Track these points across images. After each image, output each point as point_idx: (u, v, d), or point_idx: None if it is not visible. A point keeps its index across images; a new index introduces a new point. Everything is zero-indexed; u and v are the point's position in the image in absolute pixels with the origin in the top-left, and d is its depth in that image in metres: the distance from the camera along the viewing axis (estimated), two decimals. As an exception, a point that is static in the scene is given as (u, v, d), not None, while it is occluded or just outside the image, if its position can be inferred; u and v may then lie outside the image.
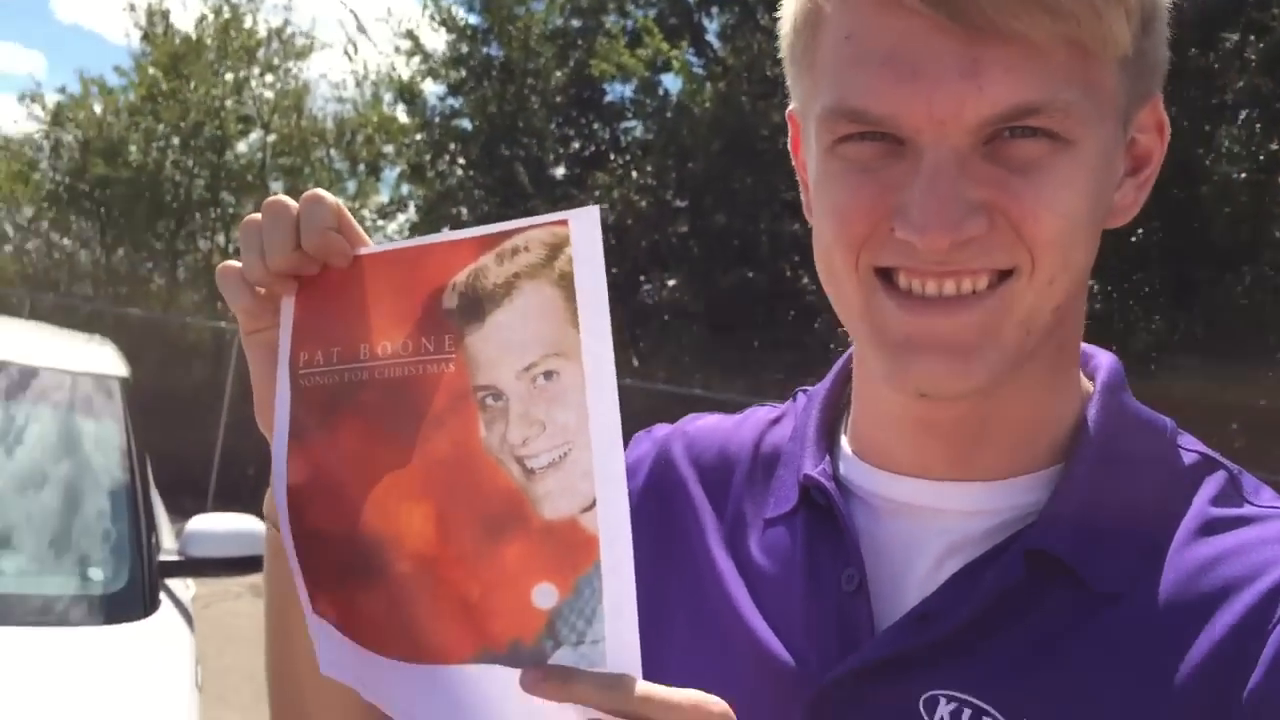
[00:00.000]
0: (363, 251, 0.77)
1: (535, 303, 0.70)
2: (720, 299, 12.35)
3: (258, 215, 0.77)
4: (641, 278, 13.45)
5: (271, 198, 0.77)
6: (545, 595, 0.68)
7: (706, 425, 0.96)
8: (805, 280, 12.56)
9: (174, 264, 17.14)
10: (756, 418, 0.95)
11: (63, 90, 17.67)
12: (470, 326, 0.72)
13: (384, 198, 16.70)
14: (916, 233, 0.70)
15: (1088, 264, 0.76)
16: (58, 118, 16.73)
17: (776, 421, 0.93)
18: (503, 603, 0.70)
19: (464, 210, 14.15)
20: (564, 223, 0.70)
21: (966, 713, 0.73)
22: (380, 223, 16.70)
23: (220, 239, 16.99)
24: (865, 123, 0.72)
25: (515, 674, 0.68)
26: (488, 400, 0.71)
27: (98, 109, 16.68)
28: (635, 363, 13.60)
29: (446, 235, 0.74)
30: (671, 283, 13.25)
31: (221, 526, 3.21)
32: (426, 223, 14.70)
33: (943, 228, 0.69)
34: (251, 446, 15.18)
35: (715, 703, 0.66)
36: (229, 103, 16.40)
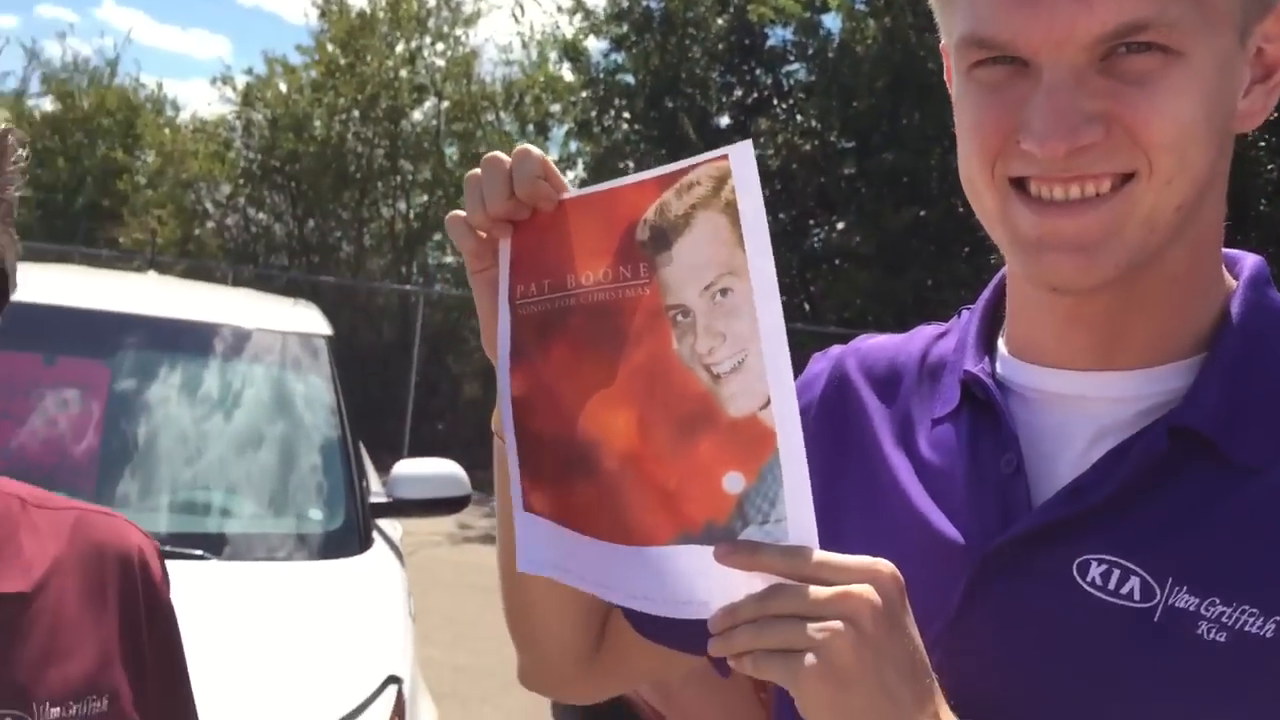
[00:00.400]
0: (566, 196, 0.89)
1: (709, 229, 0.81)
2: (891, 239, 12.17)
3: (478, 170, 0.90)
4: (810, 223, 13.37)
5: (489, 154, 0.90)
6: (734, 482, 0.80)
7: (877, 342, 1.06)
8: (979, 215, 12.25)
9: (360, 231, 17.93)
10: (923, 333, 1.04)
11: (249, 71, 18.60)
12: (660, 254, 0.84)
13: (553, 156, 17.02)
14: (1037, 143, 0.79)
15: (1213, 166, 0.82)
16: (247, 98, 17.65)
17: (942, 335, 1.02)
18: (697, 490, 0.81)
19: (630, 164, 14.31)
20: (724, 158, 0.81)
21: (1116, 573, 0.81)
22: (550, 181, 17.05)
23: (401, 205, 17.66)
24: (992, 48, 0.81)
25: (709, 550, 0.79)
26: (678, 317, 0.83)
27: (283, 87, 17.52)
28: (807, 308, 13.55)
29: (634, 177, 0.86)
30: (840, 226, 13.13)
31: (424, 470, 3.47)
32: (595, 178, 14.92)
33: (1059, 137, 0.78)
34: (440, 403, 15.86)
35: (884, 564, 0.77)
36: (403, 73, 16.98)
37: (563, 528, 0.89)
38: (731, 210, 0.80)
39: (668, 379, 0.83)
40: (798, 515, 0.78)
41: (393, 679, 2.50)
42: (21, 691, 0.90)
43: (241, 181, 17.89)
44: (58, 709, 0.91)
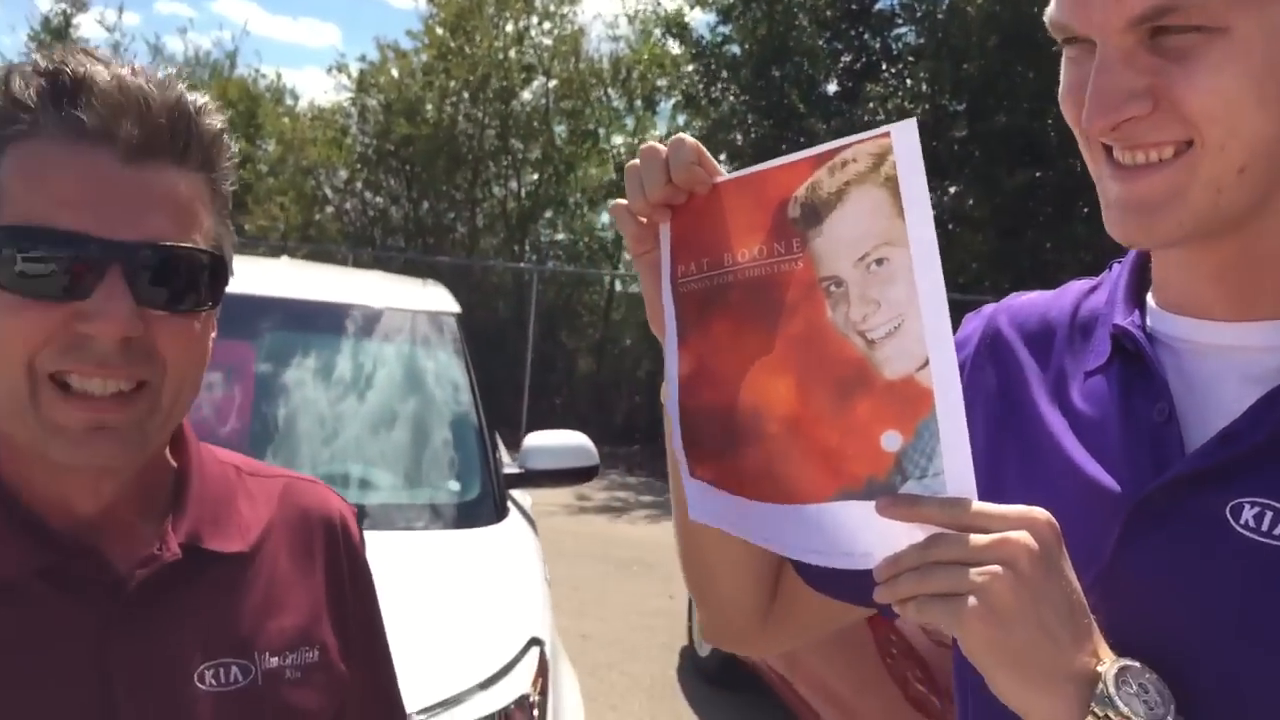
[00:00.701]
0: (719, 179, 0.95)
1: (865, 204, 0.85)
2: (1007, 202, 11.93)
3: (637, 161, 0.96)
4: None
5: (646, 145, 0.96)
6: (892, 440, 0.84)
7: (1029, 299, 1.10)
8: (1099, 175, 11.92)
9: (473, 211, 18.25)
10: (1074, 288, 1.08)
11: (363, 58, 19.03)
12: (811, 230, 0.88)
13: (660, 130, 17.07)
14: (1086, 118, 0.86)
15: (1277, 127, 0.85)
16: (362, 84, 18.07)
17: (1093, 290, 1.06)
18: (857, 449, 0.86)
19: (738, 136, 14.26)
20: (886, 135, 0.85)
21: (1269, 515, 0.84)
22: (659, 155, 17.08)
23: (513, 184, 17.91)
24: (1062, 32, 0.89)
25: (871, 505, 0.84)
26: (831, 288, 0.88)
27: (394, 73, 17.88)
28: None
29: (786, 158, 0.90)
30: (954, 190, 12.91)
31: (555, 442, 3.57)
32: (703, 151, 14.92)
33: (1100, 113, 0.85)
34: (555, 378, 16.10)
35: (1040, 512, 0.81)
36: (511, 53, 17.18)
37: (728, 494, 0.95)
38: (891, 184, 0.84)
39: (823, 347, 0.88)
40: (955, 468, 0.82)
41: (535, 641, 2.60)
42: (245, 643, 0.98)
43: (358, 166, 18.34)
44: (276, 659, 0.99)
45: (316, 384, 3.43)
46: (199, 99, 0.93)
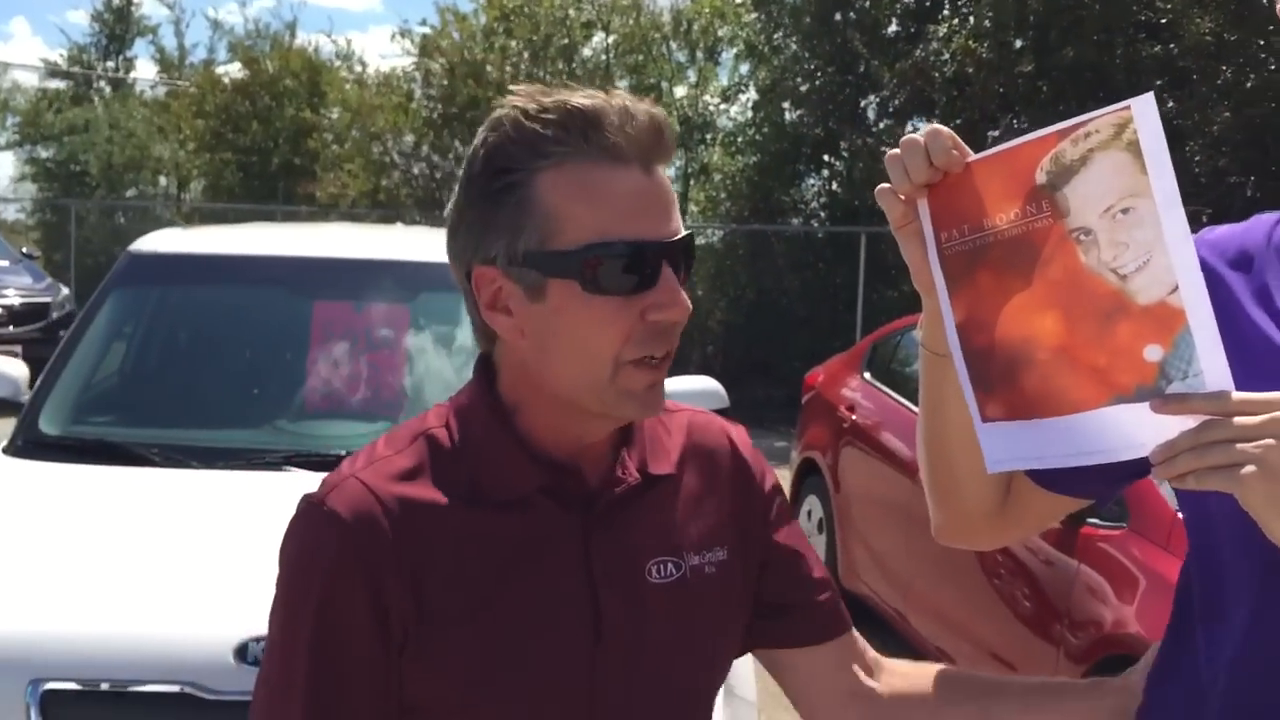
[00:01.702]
0: (971, 159, 1.16)
1: (1108, 165, 1.06)
2: (1076, 137, 11.92)
3: (898, 150, 1.17)
4: (989, 127, 13.19)
5: (906, 138, 1.16)
6: (1153, 352, 1.04)
7: (1222, 231, 1.29)
8: (1170, 104, 11.88)
9: (538, 172, 18.41)
10: (1261, 220, 1.26)
11: (424, 22, 19.21)
12: (1059, 192, 1.09)
13: (722, 81, 17.16)
14: None
15: None
16: (425, 49, 18.31)
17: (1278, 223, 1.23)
18: (1124, 364, 1.06)
19: (801, 84, 14.33)
20: (1127, 108, 1.05)
21: None
22: (723, 106, 17.18)
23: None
24: None
25: (1143, 406, 1.05)
26: (1080, 237, 1.08)
27: (456, 36, 18.08)
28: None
29: (1030, 135, 1.11)
30: (1022, 127, 12.91)
31: (686, 387, 3.87)
32: (767, 100, 15.02)
33: None
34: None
35: None
36: (571, 11, 17.29)
37: (1014, 422, 1.16)
38: (1133, 148, 1.04)
39: (1081, 286, 1.08)
40: (1213, 367, 1.02)
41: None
42: (676, 546, 1.22)
43: (424, 130, 18.62)
44: (697, 557, 1.23)
45: (465, 340, 3.74)
46: (656, 106, 1.17)
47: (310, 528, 1.15)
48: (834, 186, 15.05)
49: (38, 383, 3.40)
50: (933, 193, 1.17)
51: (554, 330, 1.12)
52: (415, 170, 19.56)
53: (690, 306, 1.13)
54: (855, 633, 1.38)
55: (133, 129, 25.71)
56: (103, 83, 29.51)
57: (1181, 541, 1.95)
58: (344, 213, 18.91)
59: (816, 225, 15.31)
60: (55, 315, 11.29)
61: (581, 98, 1.11)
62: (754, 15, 14.63)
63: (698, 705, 1.29)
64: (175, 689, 2.19)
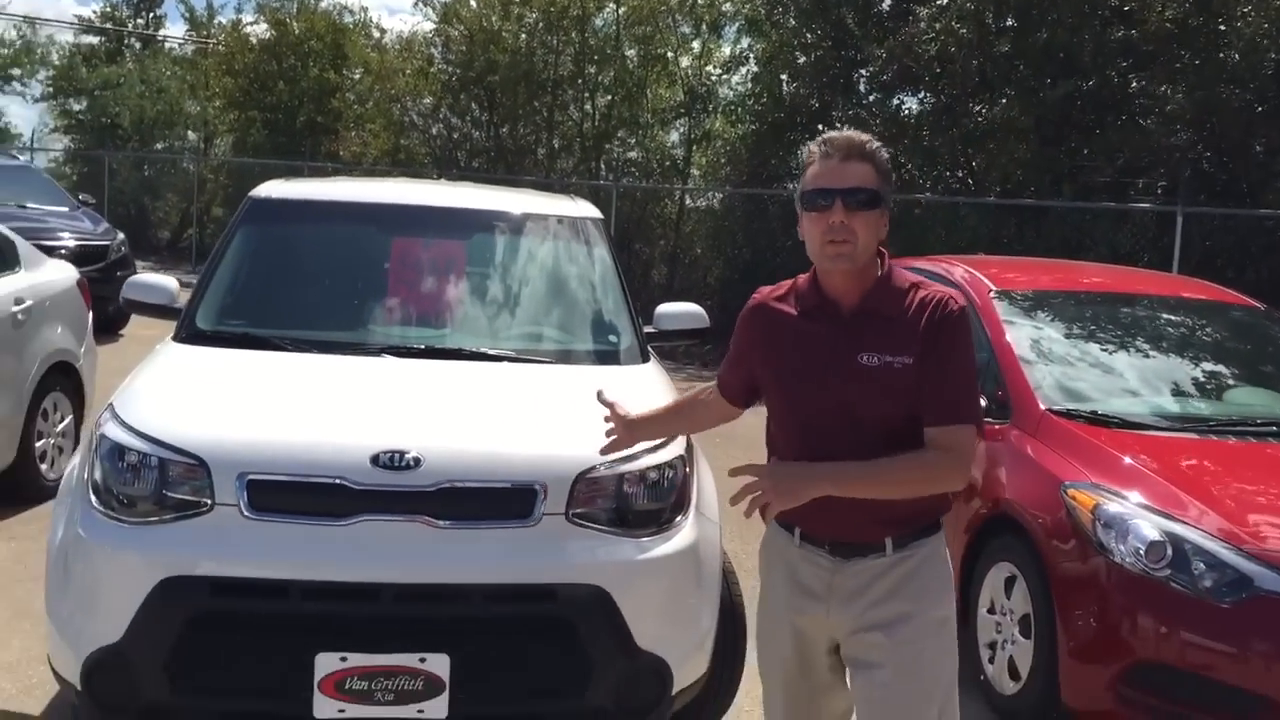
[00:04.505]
0: None
1: None
2: (1048, 112, 12.95)
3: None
4: (971, 103, 14.19)
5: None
6: None
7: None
8: (1133, 85, 12.89)
9: (550, 134, 19.53)
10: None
11: (445, -9, 20.11)
12: None
13: (724, 54, 18.15)
14: None
15: None
16: (446, 16, 19.29)
17: None
18: None
19: (798, 56, 15.34)
20: None
21: None
22: (725, 76, 18.20)
23: (587, 107, 19.14)
24: None
25: None
26: None
27: (474, 3, 19.07)
28: (970, 183, 14.47)
29: None
30: (1001, 102, 13.89)
31: (678, 309, 5.03)
32: (767, 72, 16.05)
33: None
34: (632, 287, 17.34)
35: None
36: (583, -19, 18.25)
37: None
38: None
39: None
40: None
41: (686, 426, 4.00)
42: (879, 348, 2.40)
43: (443, 94, 19.63)
44: (891, 357, 2.39)
45: (512, 270, 4.86)
46: (867, 137, 2.47)
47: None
48: (827, 154, 15.99)
49: (190, 295, 4.56)
50: None
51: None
52: (434, 130, 20.59)
53: (842, 219, 2.39)
54: None
55: (164, 85, 26.74)
56: (134, 40, 30.48)
57: (1050, 431, 3.17)
58: (366, 169, 19.94)
59: (810, 190, 16.27)
60: (113, 257, 12.39)
61: (837, 133, 2.48)
62: (755, -9, 15.57)
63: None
64: (334, 480, 3.33)
